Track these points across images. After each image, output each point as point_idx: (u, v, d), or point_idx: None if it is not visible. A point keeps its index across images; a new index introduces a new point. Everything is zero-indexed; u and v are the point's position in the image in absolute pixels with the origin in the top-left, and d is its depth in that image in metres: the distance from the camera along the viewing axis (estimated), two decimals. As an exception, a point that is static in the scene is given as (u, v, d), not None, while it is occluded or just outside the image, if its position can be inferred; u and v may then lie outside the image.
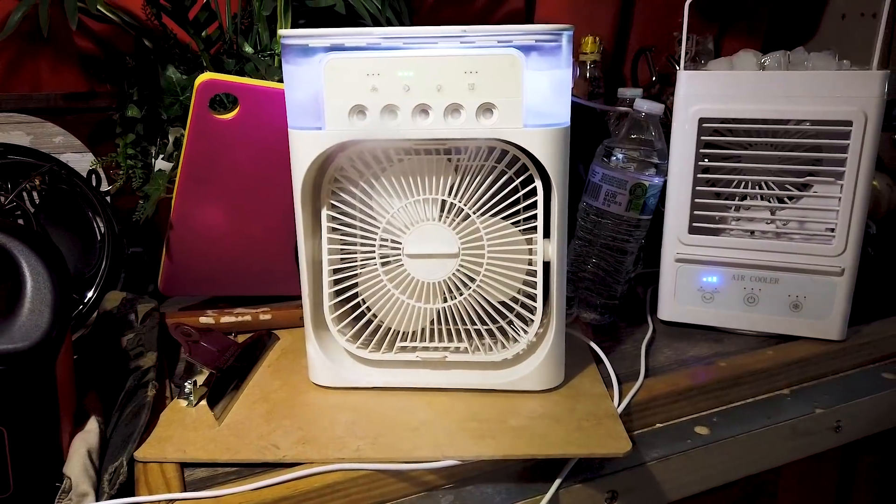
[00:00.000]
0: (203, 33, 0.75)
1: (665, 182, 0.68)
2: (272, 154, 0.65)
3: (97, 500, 0.46)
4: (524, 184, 0.56)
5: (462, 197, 0.56)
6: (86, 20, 0.83)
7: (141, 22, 0.82)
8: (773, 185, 0.66)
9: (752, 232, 0.68)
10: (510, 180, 0.56)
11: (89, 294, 0.70)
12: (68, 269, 0.52)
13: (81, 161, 0.81)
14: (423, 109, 0.52)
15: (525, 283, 0.57)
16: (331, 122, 0.53)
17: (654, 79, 1.14)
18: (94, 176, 0.82)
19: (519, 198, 0.56)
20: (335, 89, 0.52)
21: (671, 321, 0.71)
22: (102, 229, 0.76)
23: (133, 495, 0.47)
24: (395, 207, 0.57)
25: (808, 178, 0.65)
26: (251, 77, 0.75)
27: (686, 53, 1.16)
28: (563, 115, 0.53)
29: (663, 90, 1.16)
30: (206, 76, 0.59)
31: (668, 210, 0.68)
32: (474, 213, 0.56)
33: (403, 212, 0.57)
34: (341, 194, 0.58)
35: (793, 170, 0.65)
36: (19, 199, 0.71)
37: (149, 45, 0.76)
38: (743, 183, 0.67)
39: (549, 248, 0.56)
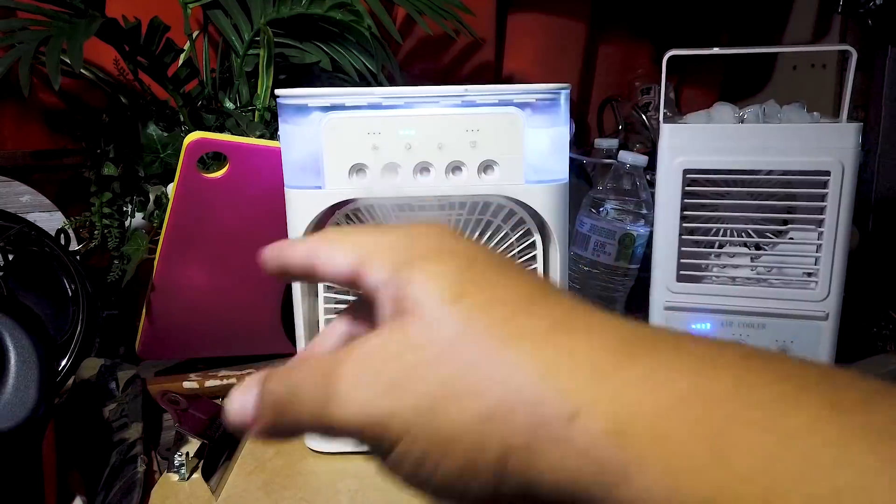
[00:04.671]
0: (181, 89, 0.74)
1: (650, 231, 0.69)
2: (259, 211, 0.63)
3: (89, 592, 0.43)
4: (519, 238, 0.56)
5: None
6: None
7: (114, 77, 0.80)
8: (751, 233, 0.68)
9: (734, 279, 0.69)
10: (506, 234, 0.56)
11: (63, 362, 0.66)
12: (53, 339, 0.49)
13: (50, 221, 0.78)
14: (425, 167, 0.52)
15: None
16: (331, 180, 0.52)
17: (620, 127, 1.18)
18: (62, 235, 0.79)
19: (515, 253, 0.56)
20: (335, 148, 0.52)
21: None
22: (72, 292, 0.73)
23: (130, 584, 0.43)
24: (393, 265, 0.56)
25: (786, 226, 0.67)
26: (232, 133, 0.74)
27: (650, 103, 1.20)
28: (563, 171, 0.53)
29: (628, 138, 1.19)
30: (196, 135, 0.57)
31: (656, 259, 0.69)
32: (474, 268, 0.56)
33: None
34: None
35: (770, 217, 0.67)
36: (-14, 264, 0.68)
37: (124, 101, 0.74)
38: (724, 231, 0.69)
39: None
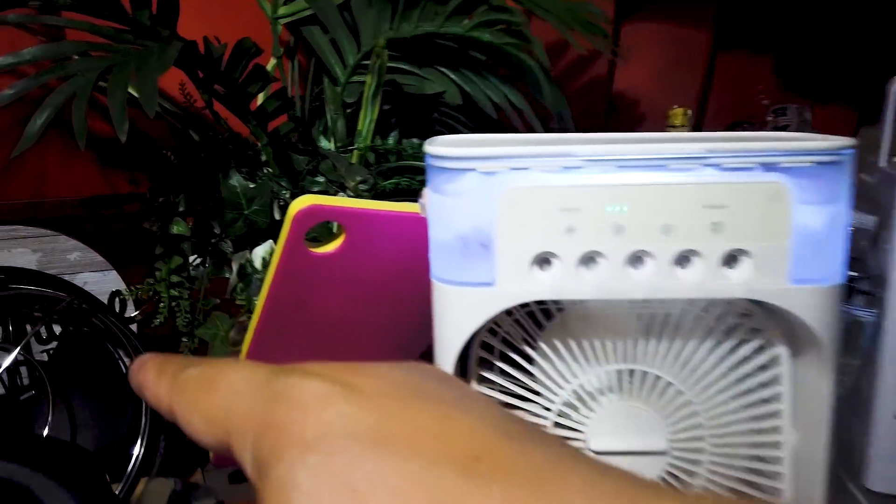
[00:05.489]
0: (266, 125, 0.59)
1: (879, 317, 0.53)
2: (377, 290, 0.48)
3: None
4: (753, 347, 0.40)
5: (674, 366, 0.40)
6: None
7: (178, 105, 0.66)
8: None
9: None
10: (732, 342, 0.40)
11: (129, 466, 0.52)
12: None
13: (103, 282, 0.64)
14: (639, 257, 0.36)
15: (757, 485, 0.41)
16: (504, 275, 0.37)
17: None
18: (117, 300, 0.65)
19: (747, 369, 0.40)
20: (514, 230, 0.36)
21: (888, 493, 0.55)
22: (126, 368, 0.59)
23: None
24: (574, 381, 0.40)
25: None
26: (328, 178, 0.59)
27: (787, 126, 1.02)
28: (839, 266, 0.37)
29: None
30: (307, 201, 0.42)
31: (887, 354, 0.52)
32: (691, 391, 0.40)
33: (585, 386, 0.40)
34: (495, 362, 0.41)
35: None
36: (26, 351, 0.54)
37: (195, 137, 0.60)
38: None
39: (796, 439, 0.40)
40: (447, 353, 0.39)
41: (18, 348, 0.55)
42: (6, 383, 0.57)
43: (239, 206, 0.54)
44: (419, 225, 0.44)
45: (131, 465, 0.56)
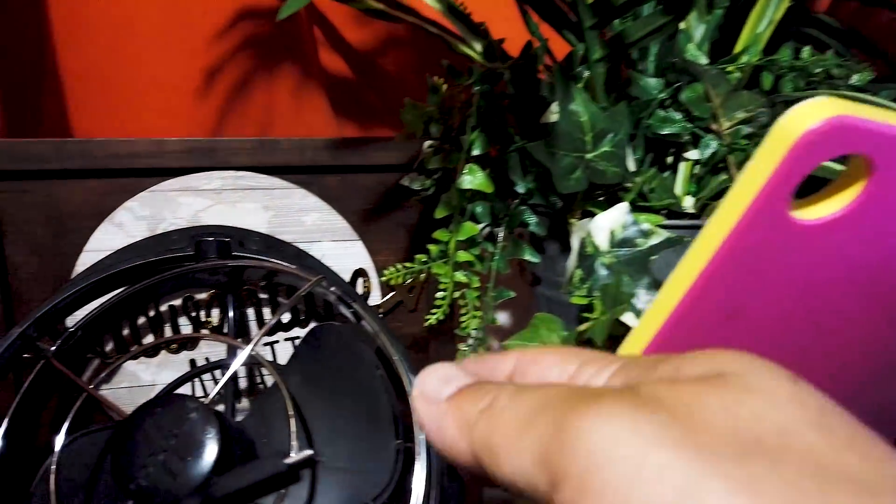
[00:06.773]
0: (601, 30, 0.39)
1: None
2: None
3: None
4: None
5: None
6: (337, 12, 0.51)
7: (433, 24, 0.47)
8: None
9: None
10: None
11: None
12: None
13: (344, 257, 0.47)
14: None
15: None
16: None
17: None
18: (360, 281, 0.48)
19: None
20: None
21: None
22: (383, 390, 0.41)
23: None
24: None
25: None
26: (692, 113, 0.38)
27: None
28: None
29: None
30: (826, 108, 0.21)
31: None
32: None
33: None
34: None
35: None
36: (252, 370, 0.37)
37: (495, 46, 0.41)
38: None
39: None
40: None
41: (255, 342, 0.39)
42: (236, 386, 0.41)
43: (581, 145, 0.34)
44: None
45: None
